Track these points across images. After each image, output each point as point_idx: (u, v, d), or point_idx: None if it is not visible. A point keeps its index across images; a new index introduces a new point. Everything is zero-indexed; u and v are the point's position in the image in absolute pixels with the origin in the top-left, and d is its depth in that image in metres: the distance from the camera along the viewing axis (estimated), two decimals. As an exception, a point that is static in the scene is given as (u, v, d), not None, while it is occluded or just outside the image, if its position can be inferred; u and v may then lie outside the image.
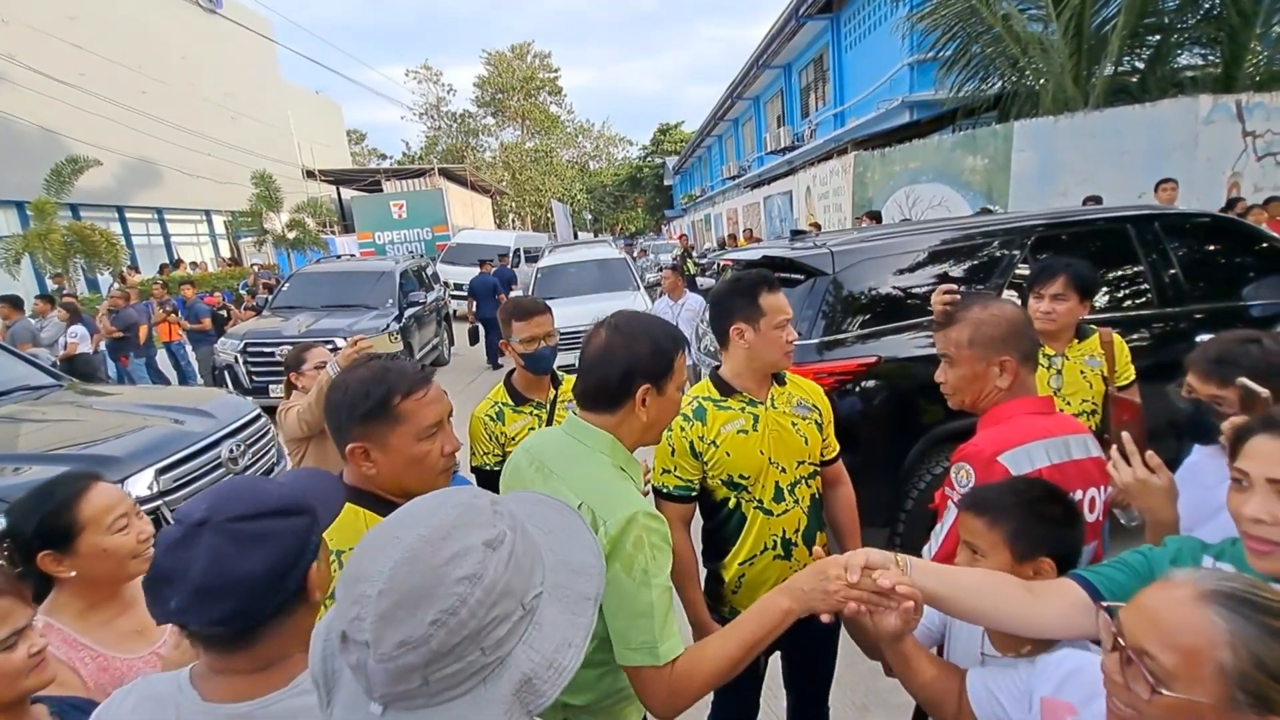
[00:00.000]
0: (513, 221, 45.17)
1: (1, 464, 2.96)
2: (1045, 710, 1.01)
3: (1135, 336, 3.19)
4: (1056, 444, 1.38)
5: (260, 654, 0.83)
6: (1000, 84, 10.29)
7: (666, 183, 49.45)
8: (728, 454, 1.69)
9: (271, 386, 7.18)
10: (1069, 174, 8.16)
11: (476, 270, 10.86)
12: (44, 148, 16.52)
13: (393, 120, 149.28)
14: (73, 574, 1.29)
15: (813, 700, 2.05)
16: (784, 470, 1.73)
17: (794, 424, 1.76)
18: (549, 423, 2.12)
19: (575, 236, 31.16)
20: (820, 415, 1.82)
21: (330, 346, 7.12)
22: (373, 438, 1.17)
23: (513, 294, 8.92)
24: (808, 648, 1.87)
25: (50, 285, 13.31)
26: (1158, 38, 9.48)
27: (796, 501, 1.76)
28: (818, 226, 10.37)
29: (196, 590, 0.77)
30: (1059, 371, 2.21)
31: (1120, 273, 3.33)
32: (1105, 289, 3.33)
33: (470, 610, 0.58)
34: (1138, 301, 3.29)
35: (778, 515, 1.74)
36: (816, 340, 2.95)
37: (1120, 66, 9.36)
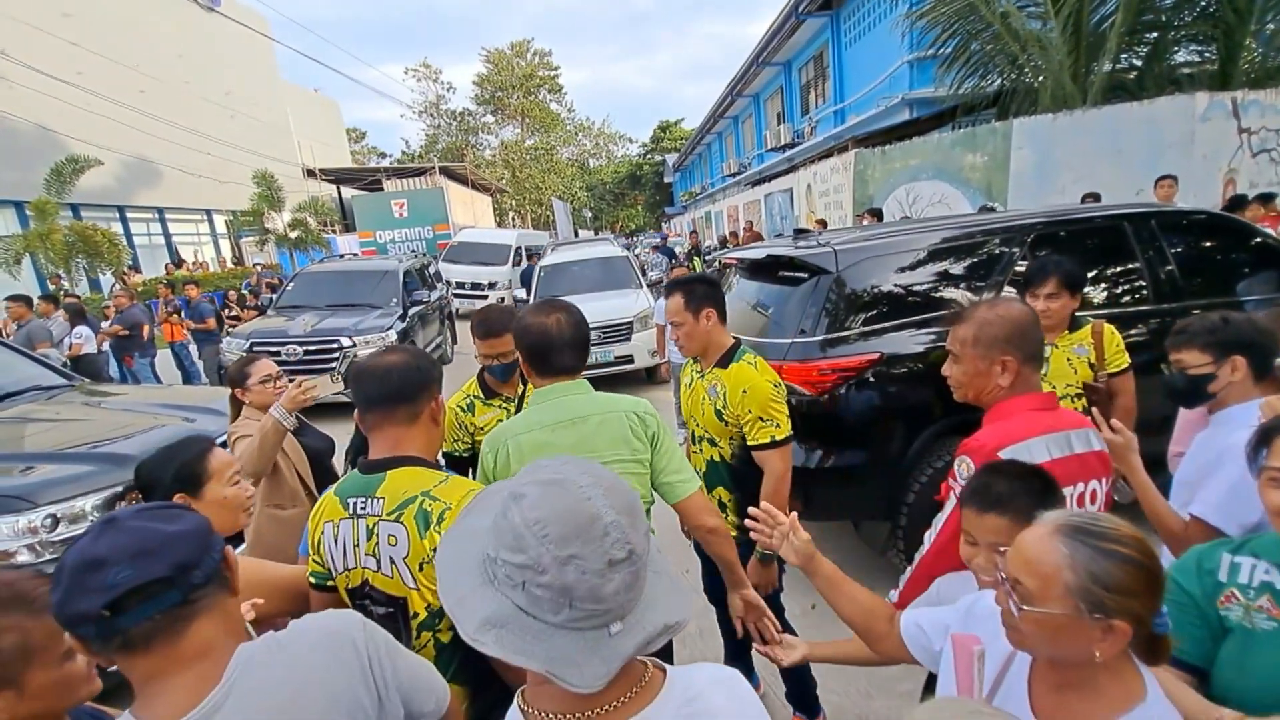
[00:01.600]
0: (513, 220, 45.16)
1: (17, 463, 3.01)
2: (955, 644, 1.11)
3: (1133, 332, 3.25)
4: (1058, 439, 1.43)
5: (198, 636, 0.83)
6: (999, 81, 10.33)
7: (666, 180, 49.43)
8: None
9: (278, 385, 7.24)
10: (1067, 171, 8.21)
11: (480, 268, 11.03)
12: (41, 147, 16.51)
13: (392, 118, 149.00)
14: None
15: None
16: None
17: None
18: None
19: (576, 234, 31.16)
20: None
21: (335, 345, 7.24)
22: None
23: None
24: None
25: (50, 286, 13.34)
26: (1155, 35, 9.53)
27: None
28: (823, 224, 10.40)
29: (134, 555, 0.78)
30: (1046, 359, 2.35)
31: (1118, 269, 3.39)
32: (1104, 285, 3.39)
33: (640, 503, 0.78)
34: (1135, 297, 3.35)
35: None
36: (820, 338, 3.00)
37: (1118, 64, 9.41)
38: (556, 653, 0.70)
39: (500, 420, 2.26)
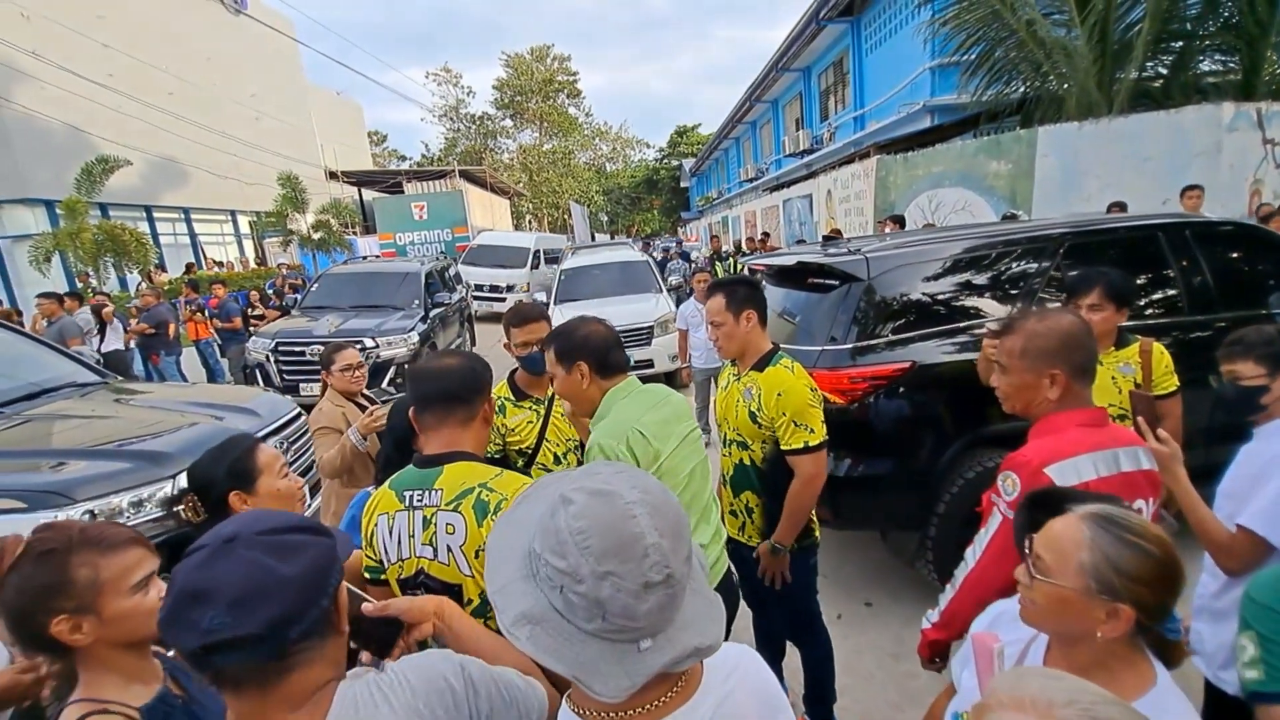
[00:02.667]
0: (530, 223, 45.40)
1: (51, 459, 3.06)
2: (975, 642, 1.14)
3: (1166, 342, 3.20)
4: (1105, 456, 1.41)
5: (295, 686, 0.80)
6: (1023, 88, 10.25)
7: (683, 185, 49.48)
8: None
9: (302, 385, 7.33)
10: (1093, 179, 8.12)
11: (499, 271, 11.22)
12: (72, 146, 16.85)
13: (412, 121, 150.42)
14: None
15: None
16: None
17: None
18: (546, 418, 2.31)
19: (592, 238, 31.27)
20: None
21: (359, 346, 7.32)
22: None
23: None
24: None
25: (78, 284, 13.61)
26: (1180, 44, 9.42)
27: None
28: (838, 233, 10.37)
29: (234, 601, 0.75)
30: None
31: (1154, 280, 3.34)
32: (1141, 295, 3.33)
33: (688, 522, 0.78)
34: (1170, 308, 3.30)
35: None
36: (850, 346, 2.99)
37: (1143, 72, 9.30)
38: (585, 659, 0.71)
39: (530, 423, 2.30)
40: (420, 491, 1.38)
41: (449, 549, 1.34)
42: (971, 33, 10.16)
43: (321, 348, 7.34)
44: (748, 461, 2.22)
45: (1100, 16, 8.77)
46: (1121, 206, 6.53)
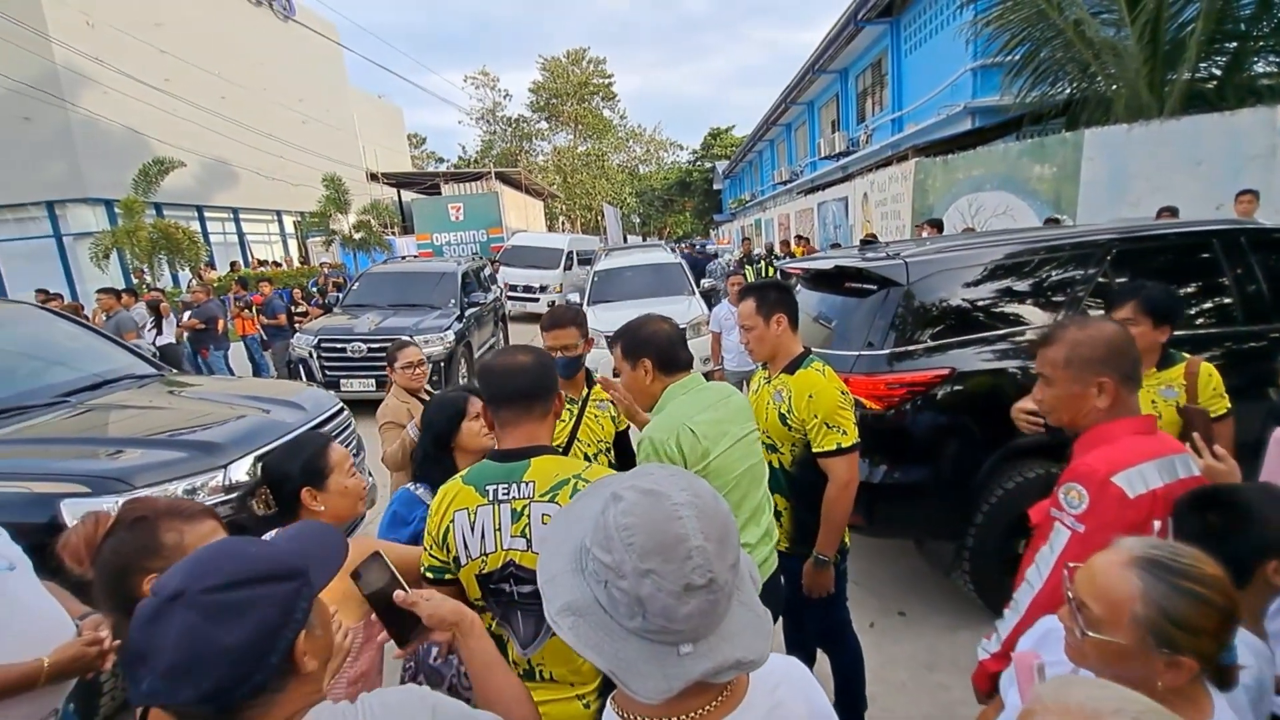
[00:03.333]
0: (563, 224, 45.77)
1: (110, 447, 3.20)
2: (1016, 661, 1.12)
3: (1218, 353, 3.10)
4: (1165, 463, 1.37)
5: None
6: (1069, 90, 9.97)
7: (716, 187, 49.32)
8: None
9: (343, 380, 7.53)
10: (1141, 183, 7.86)
11: (532, 271, 11.85)
12: (130, 148, 17.56)
13: (450, 124, 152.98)
14: (323, 508, 1.63)
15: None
16: None
17: None
18: (578, 420, 2.34)
19: (625, 240, 31.38)
20: None
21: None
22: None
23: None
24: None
25: (134, 280, 14.21)
26: (1235, 45, 9.06)
27: None
28: (874, 236, 10.23)
29: (168, 669, 0.72)
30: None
31: (1207, 288, 3.23)
32: (1193, 304, 3.23)
33: (737, 530, 0.78)
34: (1224, 318, 3.19)
35: None
36: (887, 351, 2.96)
37: (1196, 73, 8.97)
38: (624, 656, 0.72)
39: (561, 423, 2.32)
40: (506, 485, 1.37)
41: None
42: (1016, 33, 9.91)
43: (361, 345, 7.62)
44: (776, 465, 2.23)
45: (1151, 16, 8.47)
46: (1172, 212, 6.32)
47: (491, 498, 1.37)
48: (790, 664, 0.89)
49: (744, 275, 10.44)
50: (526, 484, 1.37)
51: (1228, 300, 3.19)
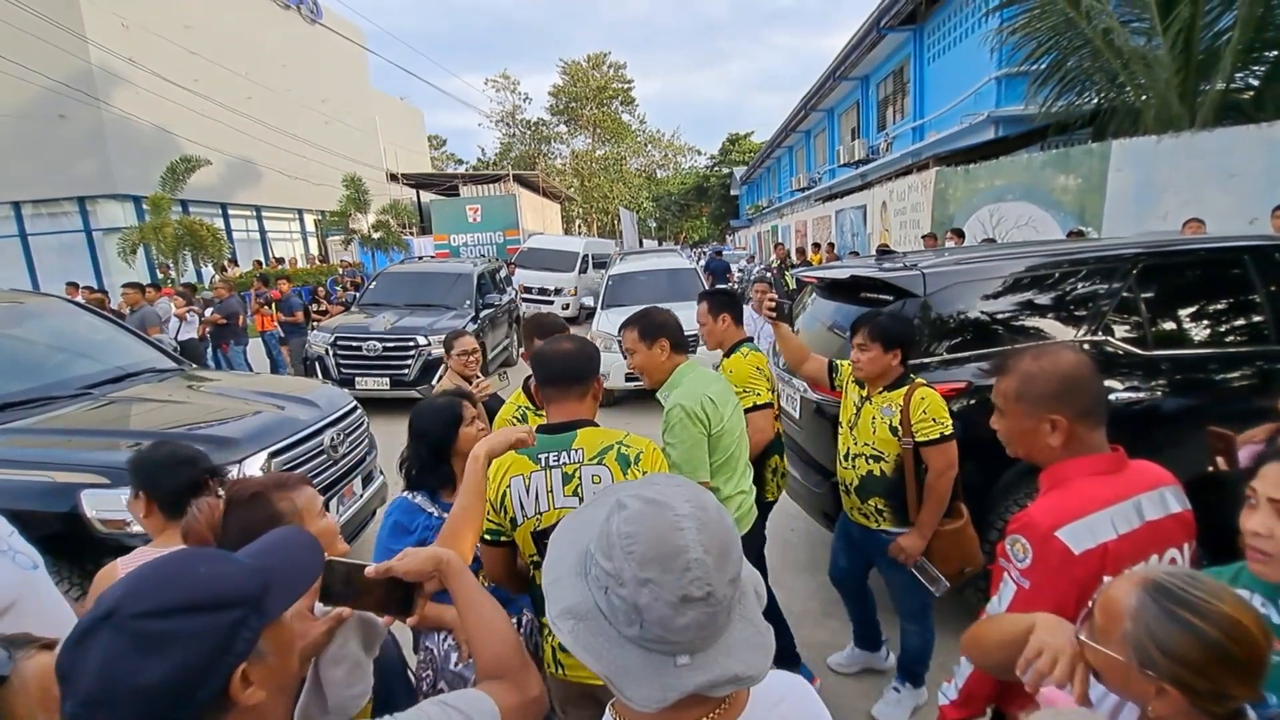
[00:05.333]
0: (579, 227, 45.94)
1: (127, 439, 3.23)
2: (1044, 697, 1.09)
3: (1249, 372, 3.02)
4: (1124, 509, 1.26)
5: None
6: (1097, 100, 9.80)
7: (733, 193, 49.26)
8: None
9: (358, 379, 7.59)
10: (1170, 196, 7.69)
11: (547, 274, 14.16)
12: (158, 147, 17.93)
13: (470, 126, 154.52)
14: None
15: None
16: None
17: None
18: None
19: (640, 244, 31.41)
20: None
21: (412, 344, 7.57)
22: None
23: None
24: None
25: (159, 275, 14.48)
26: (1274, 54, 8.83)
27: None
28: (888, 247, 10.13)
29: (85, 699, 0.67)
30: (857, 410, 2.54)
31: (1237, 305, 3.15)
32: (1221, 321, 3.14)
33: (739, 545, 0.77)
34: (1255, 337, 3.10)
35: None
36: (903, 362, 2.92)
37: (1231, 83, 8.77)
38: (621, 663, 0.71)
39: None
40: (557, 453, 1.60)
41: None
42: (1042, 41, 9.79)
43: (376, 344, 7.69)
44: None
45: (1185, 25, 8.29)
46: (1199, 222, 6.18)
47: (544, 464, 1.60)
48: (792, 681, 0.88)
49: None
50: (576, 450, 1.60)
51: (1259, 318, 3.10)
